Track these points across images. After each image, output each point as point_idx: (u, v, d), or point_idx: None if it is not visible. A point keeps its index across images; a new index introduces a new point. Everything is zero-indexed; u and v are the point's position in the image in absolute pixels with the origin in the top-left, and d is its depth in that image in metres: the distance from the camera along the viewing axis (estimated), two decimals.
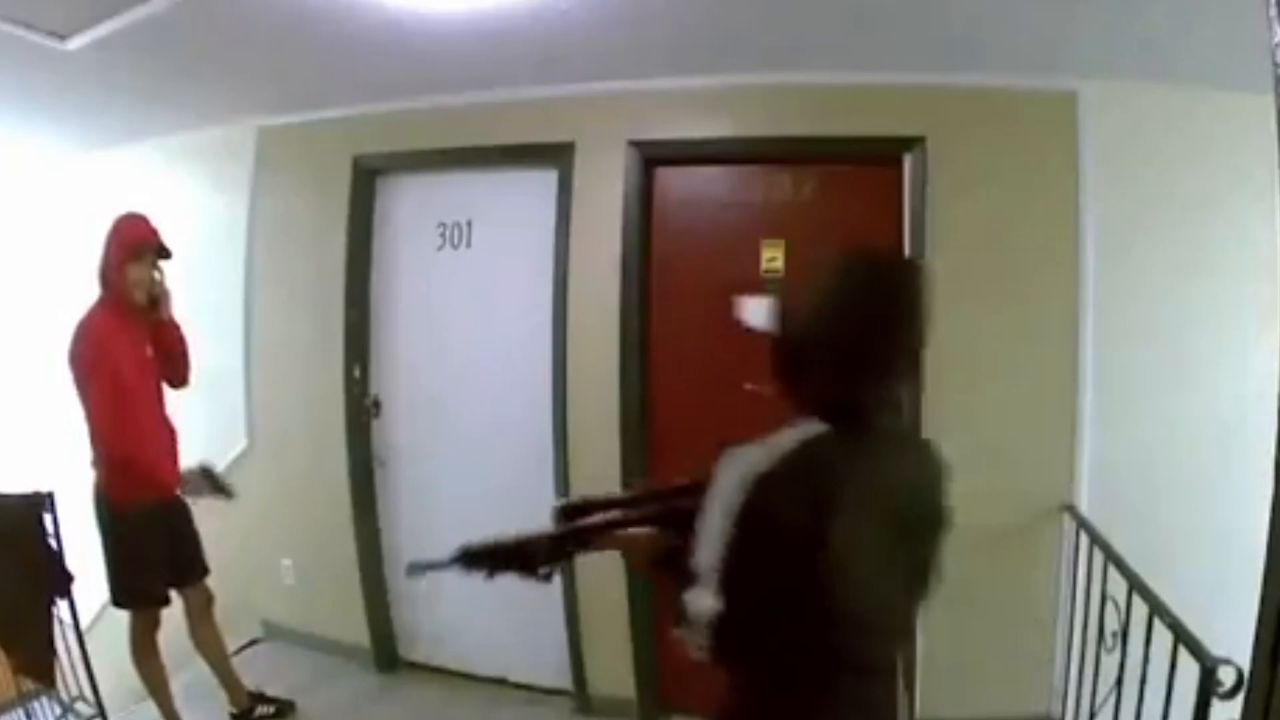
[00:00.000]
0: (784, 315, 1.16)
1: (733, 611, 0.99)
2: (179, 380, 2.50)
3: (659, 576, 1.16)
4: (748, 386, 2.63)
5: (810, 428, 1.05)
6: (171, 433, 2.46)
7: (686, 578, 1.04)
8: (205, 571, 2.53)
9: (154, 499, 2.33)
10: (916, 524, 1.13)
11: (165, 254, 2.35)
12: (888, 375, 1.11)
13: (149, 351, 2.38)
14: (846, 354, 1.07)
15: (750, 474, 1.00)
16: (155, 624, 2.42)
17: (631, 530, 1.21)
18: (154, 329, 2.39)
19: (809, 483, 0.99)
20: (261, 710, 2.67)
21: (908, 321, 1.12)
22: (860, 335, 1.08)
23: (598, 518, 1.23)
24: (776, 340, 1.15)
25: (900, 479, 1.13)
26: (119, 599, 2.34)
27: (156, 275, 2.35)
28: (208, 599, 2.54)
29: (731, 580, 0.99)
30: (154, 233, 2.34)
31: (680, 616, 1.05)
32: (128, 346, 2.29)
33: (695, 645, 1.05)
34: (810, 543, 0.95)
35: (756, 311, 1.22)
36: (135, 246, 2.29)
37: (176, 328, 2.45)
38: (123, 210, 2.39)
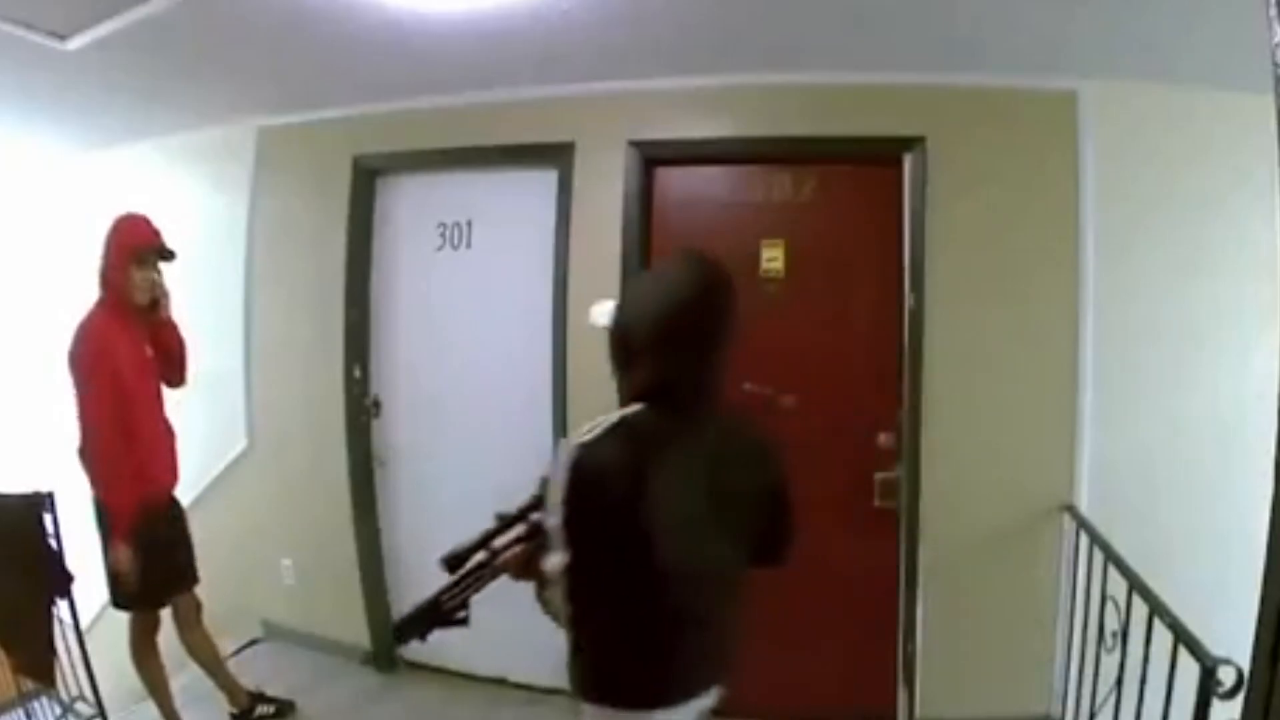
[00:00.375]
0: (616, 312, 1.33)
1: (576, 561, 1.17)
2: (177, 380, 2.50)
3: (535, 579, 1.30)
4: (746, 387, 2.63)
5: (631, 408, 1.25)
6: (171, 434, 2.45)
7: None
8: (196, 579, 2.51)
9: (149, 500, 2.32)
10: (729, 493, 1.26)
11: (168, 256, 2.35)
12: (694, 362, 1.26)
13: (148, 352, 2.37)
14: (658, 343, 1.25)
15: (574, 444, 1.18)
16: (155, 625, 2.42)
17: (506, 553, 1.35)
18: (153, 329, 2.39)
19: (622, 449, 1.18)
20: (261, 710, 2.67)
21: (711, 317, 1.28)
22: (669, 327, 1.25)
23: (479, 556, 1.38)
24: (609, 333, 1.33)
25: (709, 451, 1.27)
26: (119, 600, 2.34)
27: (157, 276, 2.34)
28: (197, 606, 2.52)
29: (571, 535, 1.17)
30: (157, 234, 2.33)
31: (540, 589, 1.27)
32: (128, 347, 2.29)
33: (554, 610, 1.26)
34: (624, 501, 1.15)
35: (602, 313, 1.34)
36: (139, 249, 2.29)
37: (175, 328, 2.45)
38: (123, 210, 2.38)
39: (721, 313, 1.29)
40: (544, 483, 1.25)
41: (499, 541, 1.38)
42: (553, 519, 1.20)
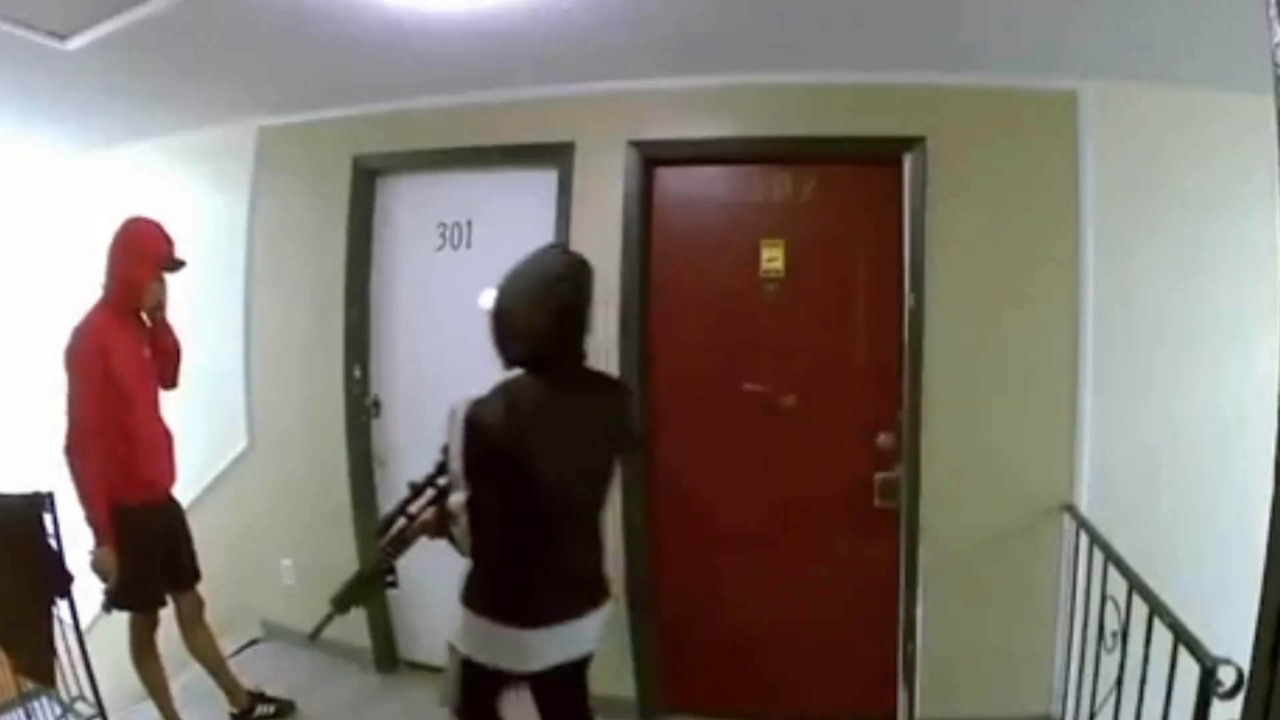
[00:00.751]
0: (496, 298, 1.65)
1: (473, 497, 1.51)
2: (171, 382, 2.51)
3: (446, 534, 1.59)
4: (747, 386, 2.63)
5: (512, 373, 1.61)
6: (168, 435, 2.46)
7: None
8: (198, 577, 2.52)
9: (148, 501, 2.34)
10: (591, 434, 1.66)
11: (180, 266, 2.38)
12: (559, 333, 1.60)
13: (147, 353, 2.40)
14: (530, 320, 1.60)
15: (465, 403, 1.54)
16: (154, 625, 2.42)
17: (422, 516, 1.64)
18: (153, 332, 2.41)
19: (504, 405, 1.53)
20: (262, 710, 2.67)
21: (572, 297, 1.61)
22: (532, 309, 1.60)
23: (399, 524, 1.66)
24: (491, 316, 1.65)
25: (574, 402, 1.64)
26: (117, 601, 2.31)
27: (164, 281, 2.39)
28: (199, 604, 2.54)
29: (468, 475, 1.50)
30: (173, 244, 2.38)
31: (449, 526, 1.56)
32: (128, 348, 2.31)
33: (460, 544, 1.56)
34: (506, 444, 1.51)
35: (486, 299, 1.70)
36: (160, 259, 2.34)
37: (172, 331, 2.48)
38: (132, 215, 2.39)
39: (580, 292, 1.63)
40: (445, 447, 1.56)
41: (414, 508, 1.65)
42: (454, 464, 1.53)
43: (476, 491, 1.51)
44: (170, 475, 2.45)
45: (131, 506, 2.28)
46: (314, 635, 1.78)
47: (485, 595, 1.65)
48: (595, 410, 1.70)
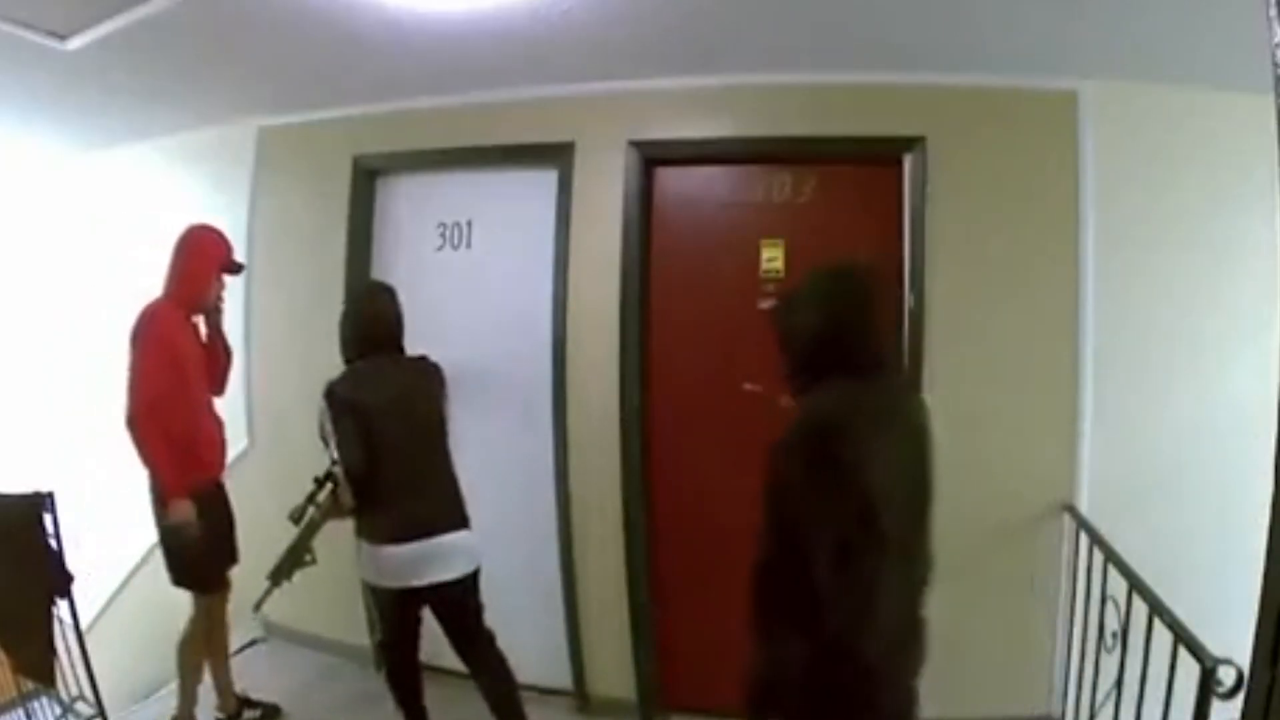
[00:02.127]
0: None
1: (337, 453, 2.08)
2: (219, 388, 2.61)
3: (342, 514, 2.16)
4: (746, 386, 2.63)
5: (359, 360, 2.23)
6: (220, 426, 2.57)
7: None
8: (232, 564, 2.56)
9: (202, 484, 2.42)
10: (416, 396, 2.25)
11: (240, 269, 2.56)
12: (373, 333, 2.27)
13: (202, 353, 2.51)
14: (355, 327, 2.28)
15: (326, 384, 2.14)
16: (210, 606, 2.49)
17: (323, 502, 2.15)
18: (208, 335, 2.54)
19: (350, 381, 2.15)
20: (249, 715, 2.66)
21: (374, 311, 2.30)
22: (356, 318, 2.32)
23: (309, 512, 2.17)
24: (340, 322, 2.32)
25: (399, 373, 2.25)
26: (179, 579, 2.42)
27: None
28: (224, 610, 2.56)
29: (334, 436, 2.08)
30: (233, 250, 2.53)
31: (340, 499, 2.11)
32: (189, 339, 2.45)
33: (346, 505, 2.12)
34: (352, 408, 2.08)
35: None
36: (225, 263, 2.49)
37: (225, 336, 2.59)
38: (197, 222, 2.55)
39: (385, 308, 2.28)
40: (323, 433, 2.11)
41: (320, 497, 2.15)
42: (327, 428, 2.09)
43: (338, 449, 2.07)
44: (219, 465, 2.55)
45: (193, 489, 2.36)
46: (257, 607, 2.21)
47: (361, 526, 2.18)
48: (416, 378, 2.26)
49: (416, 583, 2.14)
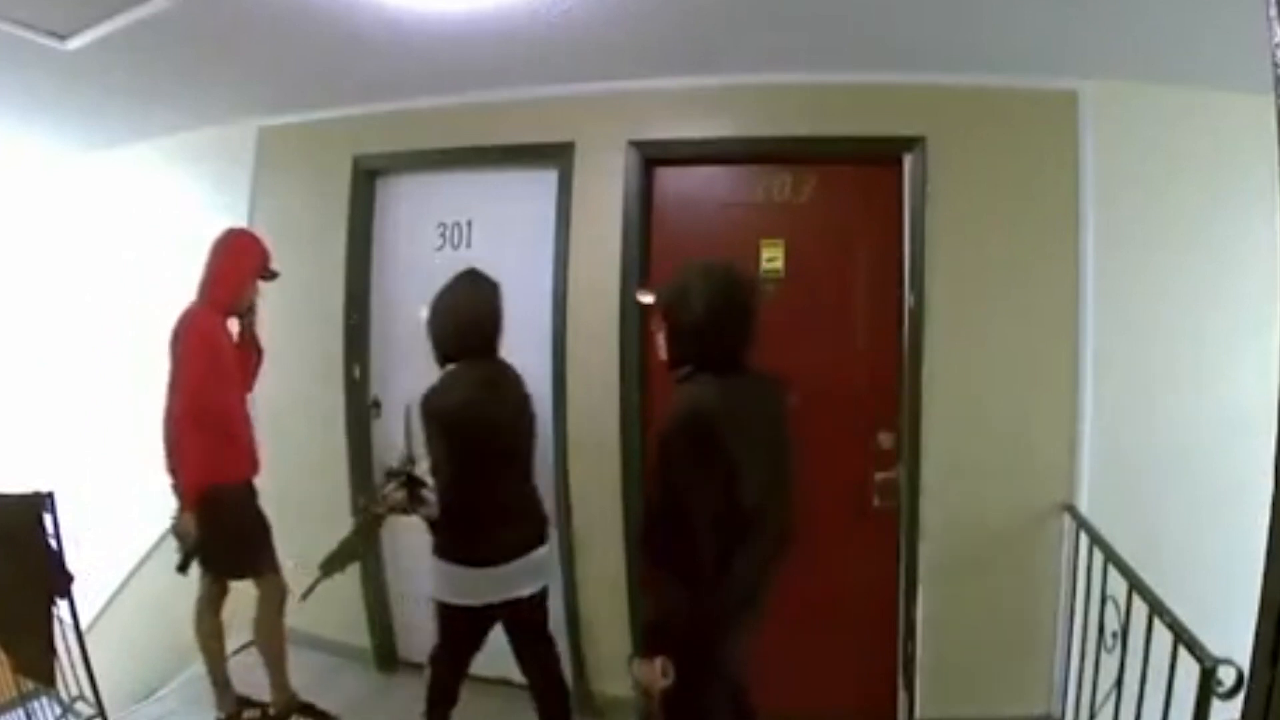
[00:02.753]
0: (430, 310, 2.25)
1: (434, 462, 2.04)
2: (251, 384, 2.69)
3: (413, 508, 2.09)
4: None
5: (448, 367, 2.14)
6: (251, 428, 2.65)
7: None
8: (275, 567, 2.60)
9: (239, 481, 2.52)
10: (511, 411, 2.21)
11: (274, 275, 2.61)
12: (475, 339, 2.19)
13: (239, 353, 2.59)
14: (452, 333, 2.19)
15: (423, 393, 2.08)
16: (219, 594, 2.57)
17: (393, 496, 2.08)
18: (241, 336, 2.61)
19: (447, 389, 2.08)
20: (248, 715, 2.67)
21: (475, 315, 2.21)
22: (455, 324, 2.21)
23: (375, 506, 2.13)
24: (427, 322, 2.24)
25: (498, 386, 2.18)
26: (207, 564, 2.48)
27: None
28: (282, 590, 2.60)
29: (429, 445, 2.04)
30: (269, 255, 2.59)
31: (417, 501, 2.06)
32: (228, 341, 2.53)
33: (429, 512, 2.06)
34: (452, 418, 2.03)
35: (423, 309, 2.30)
36: (261, 269, 2.55)
37: (258, 337, 2.67)
38: (235, 226, 2.65)
39: (492, 306, 2.20)
40: (408, 431, 2.13)
41: (388, 490, 2.08)
42: (417, 438, 2.05)
43: (434, 458, 2.02)
44: (254, 465, 2.62)
45: (225, 484, 2.44)
46: (303, 597, 2.17)
47: (446, 546, 2.10)
48: (510, 394, 2.20)
49: (494, 599, 2.10)
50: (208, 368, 2.39)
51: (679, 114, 2.66)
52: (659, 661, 1.58)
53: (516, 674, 2.90)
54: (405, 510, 2.08)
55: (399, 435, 3.04)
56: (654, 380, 2.72)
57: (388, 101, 2.89)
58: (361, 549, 2.16)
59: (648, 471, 1.76)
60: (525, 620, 2.23)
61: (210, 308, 2.47)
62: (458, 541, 2.08)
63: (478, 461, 2.03)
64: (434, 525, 2.09)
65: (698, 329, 1.67)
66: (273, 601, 2.59)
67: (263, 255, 2.56)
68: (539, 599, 2.23)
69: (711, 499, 1.54)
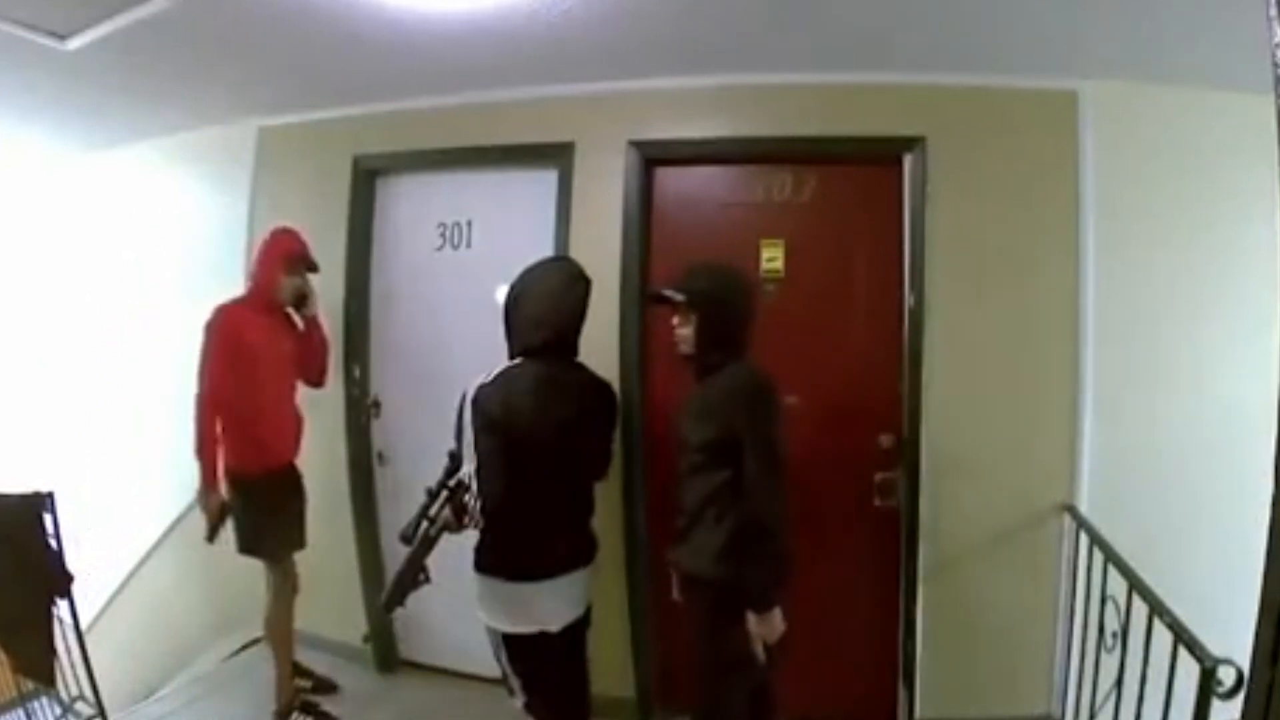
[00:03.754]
0: (506, 297, 2.08)
1: (479, 466, 1.87)
2: (315, 378, 2.78)
3: (464, 523, 1.91)
4: None
5: (513, 361, 2.00)
6: (297, 419, 2.75)
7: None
8: (297, 546, 2.72)
9: (266, 470, 2.60)
10: (570, 417, 1.99)
11: (314, 268, 2.68)
12: (553, 333, 1.98)
13: (287, 346, 2.68)
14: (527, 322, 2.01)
15: (474, 385, 1.94)
16: (286, 575, 2.67)
17: (442, 515, 1.91)
18: (299, 331, 2.70)
19: (499, 388, 1.92)
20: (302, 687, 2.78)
21: (562, 306, 2.03)
22: (536, 312, 2.03)
23: (423, 528, 1.92)
24: (504, 311, 2.08)
25: (558, 389, 1.97)
26: (241, 548, 2.59)
27: (301, 281, 2.65)
28: (294, 585, 2.68)
29: (475, 445, 1.89)
30: (304, 247, 2.67)
31: (463, 510, 1.89)
32: (262, 337, 2.58)
33: (474, 514, 1.87)
34: (502, 420, 1.88)
35: (499, 294, 2.14)
36: (288, 258, 2.61)
37: (319, 329, 2.75)
38: (279, 225, 2.70)
39: (577, 302, 2.02)
40: (458, 421, 1.92)
41: (433, 511, 1.91)
42: (466, 435, 1.89)
43: (480, 461, 1.87)
44: (290, 451, 2.73)
45: (250, 473, 2.56)
46: (366, 640, 2.51)
47: (489, 558, 1.97)
48: (579, 404, 2.01)
49: (553, 628, 1.98)
50: (225, 361, 2.49)
51: (679, 114, 2.66)
52: (777, 612, 1.81)
53: None
54: (456, 527, 1.91)
55: (399, 435, 3.07)
56: (654, 379, 2.72)
57: (388, 101, 2.89)
58: (420, 575, 1.95)
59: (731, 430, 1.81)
60: (571, 642, 2.10)
61: (244, 303, 2.59)
62: (494, 550, 1.96)
63: (524, 469, 1.88)
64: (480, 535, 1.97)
65: (740, 323, 1.94)
66: (283, 593, 2.64)
67: (289, 247, 2.63)
68: (584, 618, 2.10)
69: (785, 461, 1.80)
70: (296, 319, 2.70)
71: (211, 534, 2.54)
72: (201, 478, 2.49)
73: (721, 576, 1.83)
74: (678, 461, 1.97)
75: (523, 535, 1.93)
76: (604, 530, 2.70)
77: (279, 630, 2.66)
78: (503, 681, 2.07)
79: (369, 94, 2.86)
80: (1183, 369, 2.50)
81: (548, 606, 1.97)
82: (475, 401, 1.89)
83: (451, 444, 1.99)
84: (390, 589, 1.94)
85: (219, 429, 2.52)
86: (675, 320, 1.97)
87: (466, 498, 1.87)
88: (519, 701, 2.05)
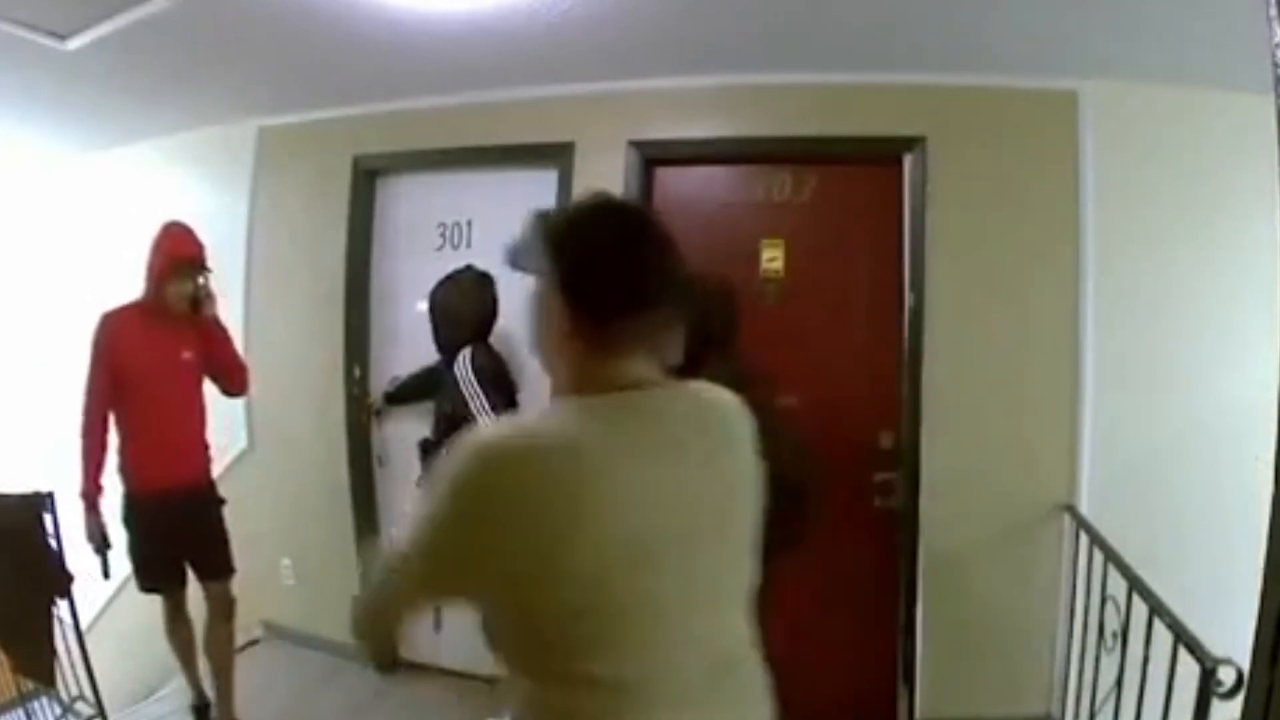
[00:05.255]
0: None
1: None
2: (232, 386, 2.56)
3: None
4: None
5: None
6: (194, 435, 2.48)
7: None
8: (225, 571, 2.48)
9: (158, 491, 2.33)
10: None
11: (199, 268, 2.39)
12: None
13: (186, 354, 2.41)
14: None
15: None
16: (177, 605, 2.47)
17: None
18: (199, 333, 2.43)
19: None
20: None
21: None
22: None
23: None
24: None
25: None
26: (139, 582, 2.40)
27: (200, 281, 2.39)
28: (227, 602, 2.48)
29: None
30: (194, 247, 2.38)
31: None
32: (149, 344, 2.34)
33: None
34: None
35: None
36: (175, 263, 2.33)
37: (217, 331, 2.48)
38: (168, 219, 2.43)
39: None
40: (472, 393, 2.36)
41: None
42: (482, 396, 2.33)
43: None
44: (192, 469, 2.46)
45: (137, 495, 2.34)
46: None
47: None
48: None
49: None
50: (107, 375, 2.29)
51: (679, 114, 2.66)
52: None
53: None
54: None
55: (398, 435, 3.07)
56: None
57: (388, 101, 2.89)
58: None
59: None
60: None
61: (139, 309, 2.35)
62: None
63: None
64: None
65: (724, 332, 1.85)
66: (219, 612, 2.47)
67: (174, 250, 2.33)
68: None
69: None
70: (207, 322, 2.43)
71: (104, 568, 2.33)
72: (83, 500, 2.26)
73: None
74: None
75: None
76: None
77: (217, 654, 2.51)
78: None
79: (369, 94, 2.86)
80: (1183, 368, 2.50)
81: None
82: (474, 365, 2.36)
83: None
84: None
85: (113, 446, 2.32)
86: None
87: None
88: None
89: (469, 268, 2.60)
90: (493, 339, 2.58)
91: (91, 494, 2.28)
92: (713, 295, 1.89)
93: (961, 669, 2.55)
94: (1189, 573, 2.03)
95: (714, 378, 1.52)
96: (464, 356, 2.42)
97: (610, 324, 0.86)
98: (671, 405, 0.90)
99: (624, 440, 0.82)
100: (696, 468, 0.86)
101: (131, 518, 2.36)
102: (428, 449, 2.45)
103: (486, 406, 2.30)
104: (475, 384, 2.35)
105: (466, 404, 2.35)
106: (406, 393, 2.89)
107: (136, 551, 2.36)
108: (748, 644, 0.95)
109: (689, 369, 1.77)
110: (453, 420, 2.35)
